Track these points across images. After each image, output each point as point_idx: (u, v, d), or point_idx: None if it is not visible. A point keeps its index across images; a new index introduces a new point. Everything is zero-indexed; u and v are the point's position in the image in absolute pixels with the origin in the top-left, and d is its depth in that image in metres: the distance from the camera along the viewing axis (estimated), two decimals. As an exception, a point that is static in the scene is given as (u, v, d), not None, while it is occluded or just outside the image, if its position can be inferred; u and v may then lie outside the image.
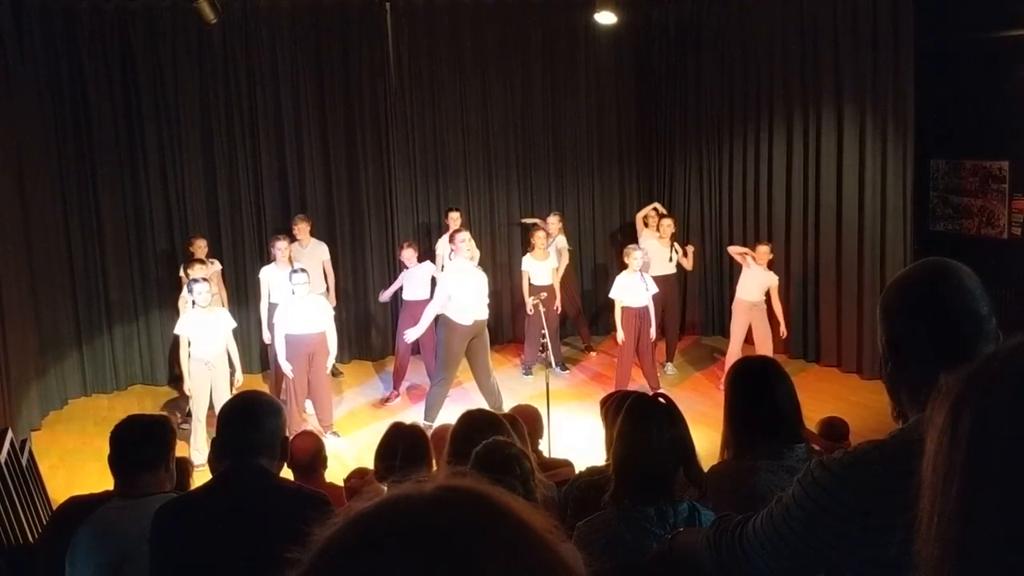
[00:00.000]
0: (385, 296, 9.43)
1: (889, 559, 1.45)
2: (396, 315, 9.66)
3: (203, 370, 7.49)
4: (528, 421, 4.58)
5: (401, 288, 9.24)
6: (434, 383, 8.14)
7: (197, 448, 7.30)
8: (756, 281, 8.80)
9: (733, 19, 10.31)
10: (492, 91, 10.81)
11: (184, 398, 8.14)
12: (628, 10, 10.02)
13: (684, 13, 10.91)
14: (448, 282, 7.98)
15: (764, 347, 8.74)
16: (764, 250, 8.85)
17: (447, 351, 7.96)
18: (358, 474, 4.73)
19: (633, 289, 8.61)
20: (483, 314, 7.96)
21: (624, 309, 8.66)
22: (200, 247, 9.01)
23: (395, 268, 9.88)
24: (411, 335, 8.26)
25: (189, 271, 8.21)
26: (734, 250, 9.20)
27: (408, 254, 9.08)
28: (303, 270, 8.00)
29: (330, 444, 7.96)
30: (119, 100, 9.46)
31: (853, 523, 1.54)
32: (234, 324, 7.85)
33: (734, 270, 10.35)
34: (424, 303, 9.03)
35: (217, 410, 7.28)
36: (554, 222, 10.09)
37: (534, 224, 10.24)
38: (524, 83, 10.89)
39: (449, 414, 7.24)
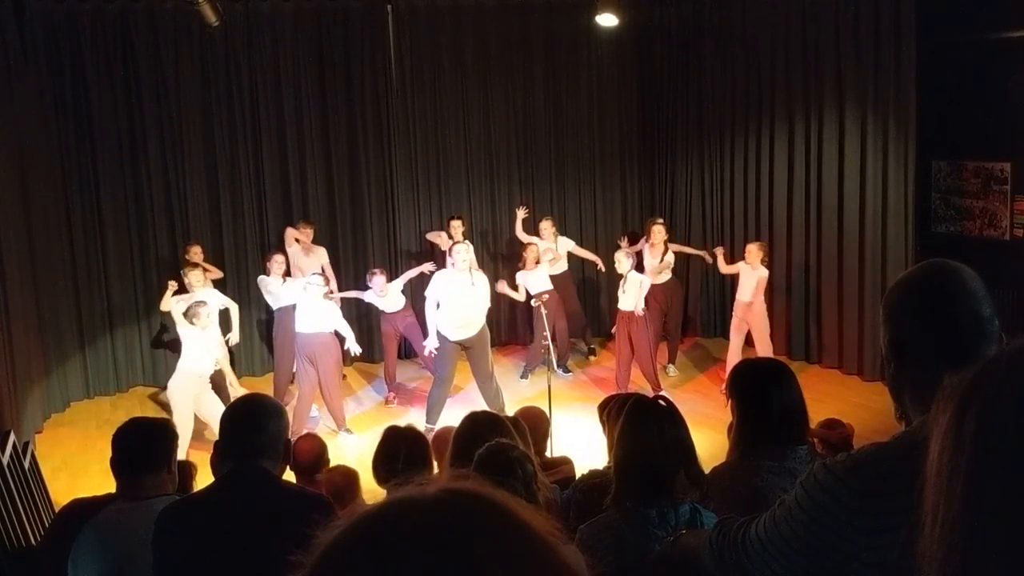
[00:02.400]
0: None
1: (892, 561, 1.45)
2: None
3: (193, 381, 7.54)
4: (533, 423, 4.57)
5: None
6: (434, 384, 8.17)
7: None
8: (748, 281, 8.83)
9: (735, 20, 10.31)
10: (494, 93, 10.81)
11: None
12: (629, 12, 10.03)
13: (685, 14, 10.91)
14: (436, 291, 7.96)
15: (762, 346, 8.76)
16: (753, 248, 8.87)
17: (441, 352, 8.00)
18: (341, 472, 4.68)
19: (624, 291, 8.61)
20: (469, 332, 7.90)
21: (617, 311, 8.68)
22: (196, 253, 9.05)
23: (397, 269, 9.87)
24: (429, 345, 8.11)
25: (186, 279, 8.29)
26: (727, 269, 9.24)
27: (378, 281, 8.93)
28: (316, 273, 8.09)
29: (346, 441, 8.02)
30: (121, 102, 9.48)
31: (856, 525, 1.54)
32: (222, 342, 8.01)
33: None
34: (401, 312, 9.06)
35: (206, 420, 7.34)
36: (546, 227, 10.01)
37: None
38: (526, 85, 10.89)
39: (451, 416, 7.25)
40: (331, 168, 10.29)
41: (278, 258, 8.81)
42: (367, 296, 9.15)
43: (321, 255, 9.59)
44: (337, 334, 8.26)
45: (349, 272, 10.45)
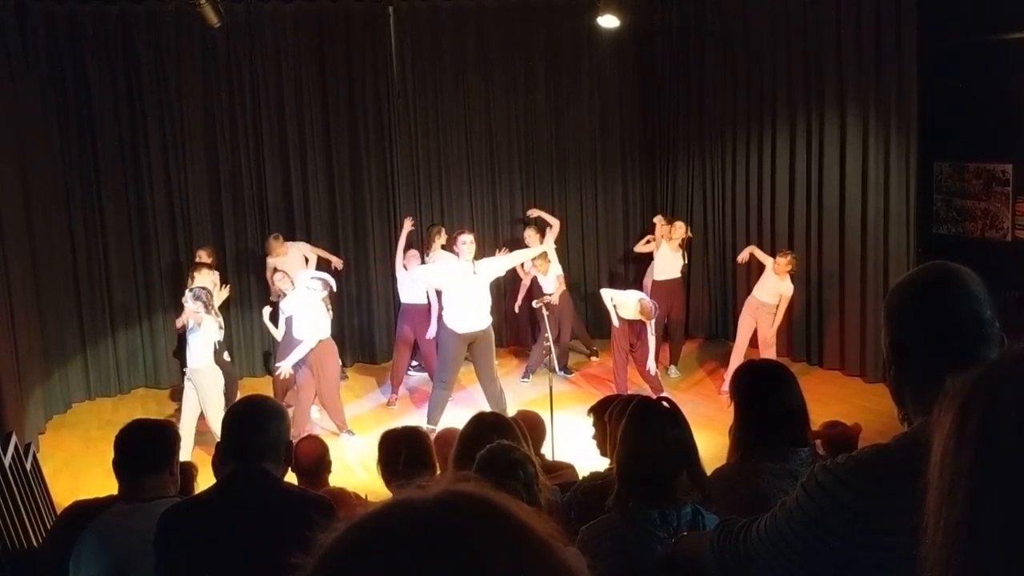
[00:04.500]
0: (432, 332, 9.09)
1: (894, 563, 1.45)
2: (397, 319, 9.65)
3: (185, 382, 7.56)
4: (530, 427, 4.57)
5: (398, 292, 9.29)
6: (435, 386, 8.15)
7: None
8: (771, 287, 8.79)
9: (736, 21, 10.31)
10: (495, 95, 10.81)
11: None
12: (630, 13, 10.03)
13: (686, 16, 10.91)
14: (432, 275, 7.95)
15: (766, 348, 8.73)
16: (783, 261, 8.73)
17: (446, 354, 7.97)
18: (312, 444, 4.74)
19: (624, 307, 8.60)
20: (480, 324, 7.90)
21: (619, 317, 8.68)
22: (204, 256, 9.05)
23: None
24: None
25: (196, 275, 8.30)
26: (760, 256, 9.10)
27: (413, 253, 9.10)
28: (316, 278, 8.05)
29: (347, 443, 8.02)
30: (123, 104, 9.49)
31: (856, 527, 1.54)
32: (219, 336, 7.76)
33: (738, 274, 10.37)
34: (421, 307, 9.07)
35: (209, 421, 7.33)
36: (531, 235, 9.95)
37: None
38: (527, 87, 10.90)
39: (453, 417, 7.25)
40: (332, 169, 10.29)
41: (279, 276, 8.81)
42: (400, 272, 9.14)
43: (300, 249, 9.59)
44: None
45: (350, 273, 10.45)
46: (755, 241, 10.07)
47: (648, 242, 10.07)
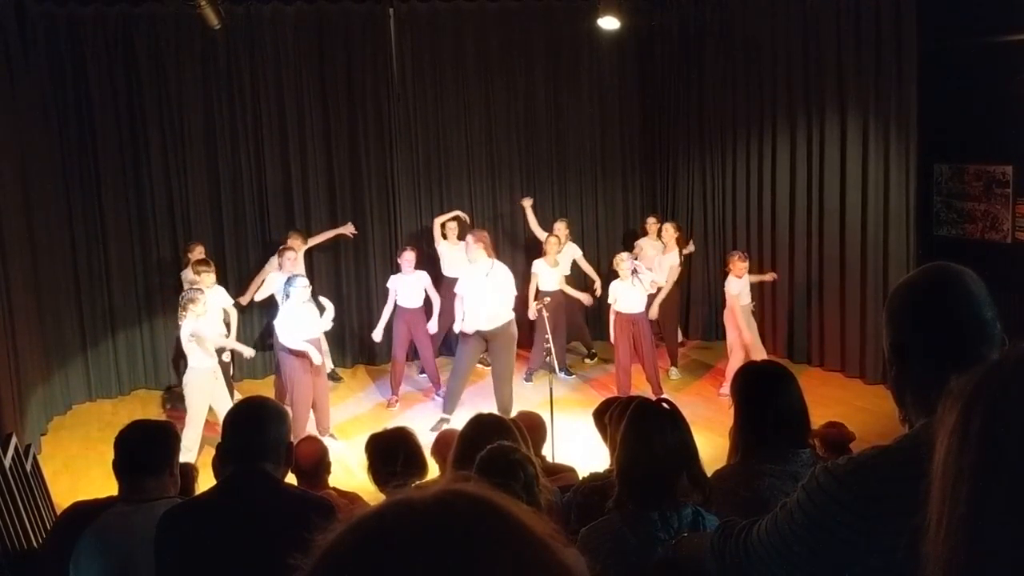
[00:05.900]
0: (377, 334, 9.20)
1: (895, 564, 1.45)
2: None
3: (209, 379, 7.52)
4: (531, 428, 4.57)
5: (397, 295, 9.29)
6: (451, 376, 8.34)
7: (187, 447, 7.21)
8: (743, 288, 8.80)
9: (736, 24, 10.31)
10: (495, 97, 10.81)
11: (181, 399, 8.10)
12: (631, 15, 10.04)
13: (687, 18, 10.91)
14: (462, 287, 8.14)
15: (755, 349, 8.71)
16: (741, 264, 8.74)
17: (462, 346, 8.17)
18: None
19: (625, 295, 8.61)
20: (494, 323, 7.94)
21: (617, 315, 8.68)
22: (199, 252, 9.03)
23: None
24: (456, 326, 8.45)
25: (197, 275, 8.29)
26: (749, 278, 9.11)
27: (408, 257, 9.08)
28: (300, 275, 8.11)
29: (331, 447, 7.99)
30: (123, 107, 9.49)
31: (858, 529, 1.53)
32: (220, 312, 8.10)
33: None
34: (417, 310, 9.09)
35: (219, 416, 7.31)
36: (560, 228, 10.03)
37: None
38: (527, 89, 10.89)
39: (453, 419, 7.26)
40: (332, 171, 10.29)
41: (290, 255, 8.75)
42: (390, 299, 9.14)
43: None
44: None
45: (350, 273, 10.45)
46: (755, 242, 10.09)
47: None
